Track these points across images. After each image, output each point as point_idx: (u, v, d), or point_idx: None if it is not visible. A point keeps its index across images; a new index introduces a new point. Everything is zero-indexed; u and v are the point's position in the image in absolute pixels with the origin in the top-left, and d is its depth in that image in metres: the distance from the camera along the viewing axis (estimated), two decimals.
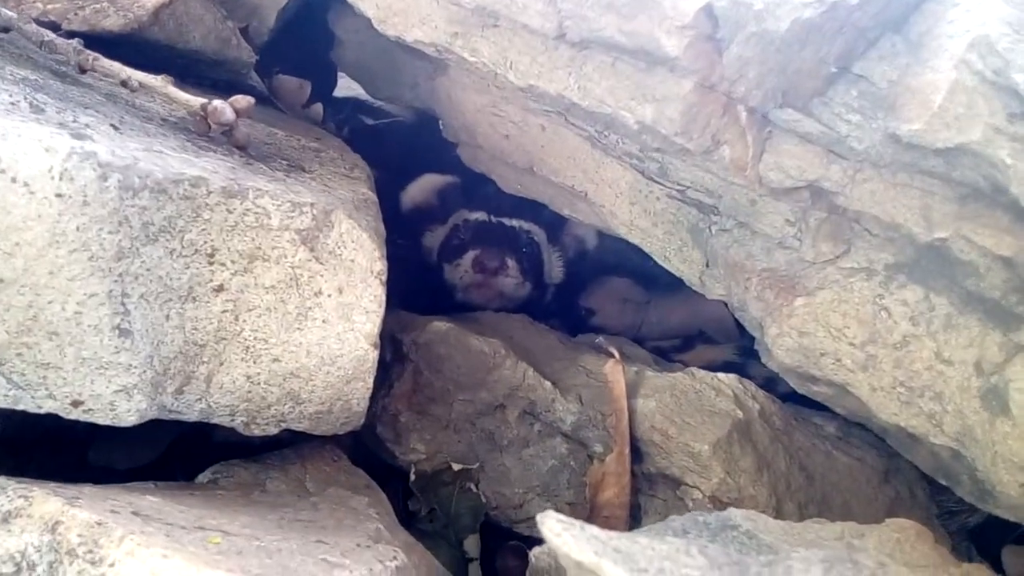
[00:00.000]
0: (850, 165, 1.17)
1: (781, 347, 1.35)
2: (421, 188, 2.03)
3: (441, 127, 1.85)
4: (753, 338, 1.47)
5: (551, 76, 1.24)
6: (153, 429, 1.06)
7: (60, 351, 0.89)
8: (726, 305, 1.50)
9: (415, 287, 1.94)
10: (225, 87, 1.79)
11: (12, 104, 0.88)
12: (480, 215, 1.89)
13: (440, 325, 1.51)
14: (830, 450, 1.48)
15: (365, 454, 1.46)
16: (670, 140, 1.16)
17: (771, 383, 1.57)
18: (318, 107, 2.11)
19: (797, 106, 1.16)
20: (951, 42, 1.12)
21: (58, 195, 0.83)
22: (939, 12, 1.18)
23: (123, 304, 0.92)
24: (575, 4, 1.11)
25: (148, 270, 0.94)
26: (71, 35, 1.44)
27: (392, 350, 1.51)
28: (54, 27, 1.44)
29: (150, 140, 0.99)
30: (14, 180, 0.81)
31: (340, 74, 2.24)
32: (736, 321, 1.53)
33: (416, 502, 1.40)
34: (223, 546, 0.79)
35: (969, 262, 1.14)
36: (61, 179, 0.83)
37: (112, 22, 1.48)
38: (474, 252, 1.78)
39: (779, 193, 1.25)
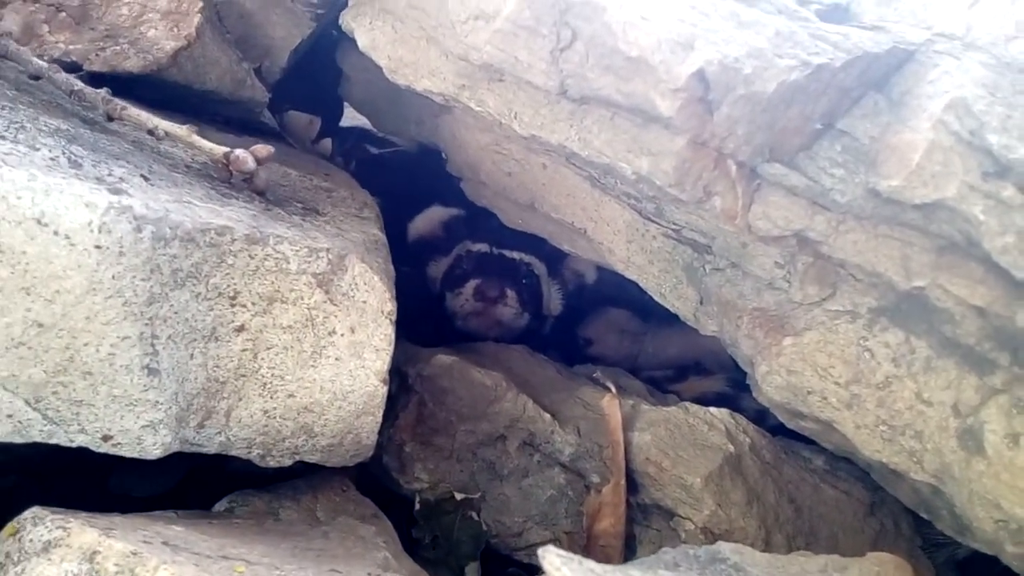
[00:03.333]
0: (834, 216, 1.24)
1: (770, 384, 1.41)
2: (427, 219, 2.11)
3: (443, 159, 1.92)
4: (745, 371, 1.53)
5: (553, 127, 1.31)
6: (169, 459, 1.12)
7: (93, 389, 0.96)
8: None
9: (418, 314, 2.02)
10: (238, 124, 1.86)
11: (52, 160, 0.95)
12: (482, 247, 1.96)
13: (444, 358, 1.57)
14: (818, 483, 1.54)
15: (369, 482, 1.52)
16: (664, 191, 1.23)
17: (762, 416, 1.61)
18: (327, 142, 2.19)
19: (784, 160, 1.23)
20: (930, 102, 1.19)
21: (97, 247, 0.90)
22: (920, 73, 1.25)
23: (152, 345, 0.98)
24: (576, 65, 1.18)
25: (175, 313, 1.01)
26: (93, 76, 1.52)
27: (397, 382, 1.57)
28: (76, 67, 1.51)
29: (179, 190, 1.06)
30: (56, 233, 0.88)
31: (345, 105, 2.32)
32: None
33: (420, 530, 1.45)
34: (247, 575, 0.85)
35: (945, 310, 1.20)
36: (100, 232, 0.90)
37: (132, 63, 1.55)
38: (475, 282, 1.85)
39: (767, 240, 1.32)
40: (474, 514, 1.50)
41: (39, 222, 0.87)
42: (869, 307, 1.32)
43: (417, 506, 1.44)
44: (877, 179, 1.17)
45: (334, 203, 1.45)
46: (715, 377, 2.01)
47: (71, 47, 1.54)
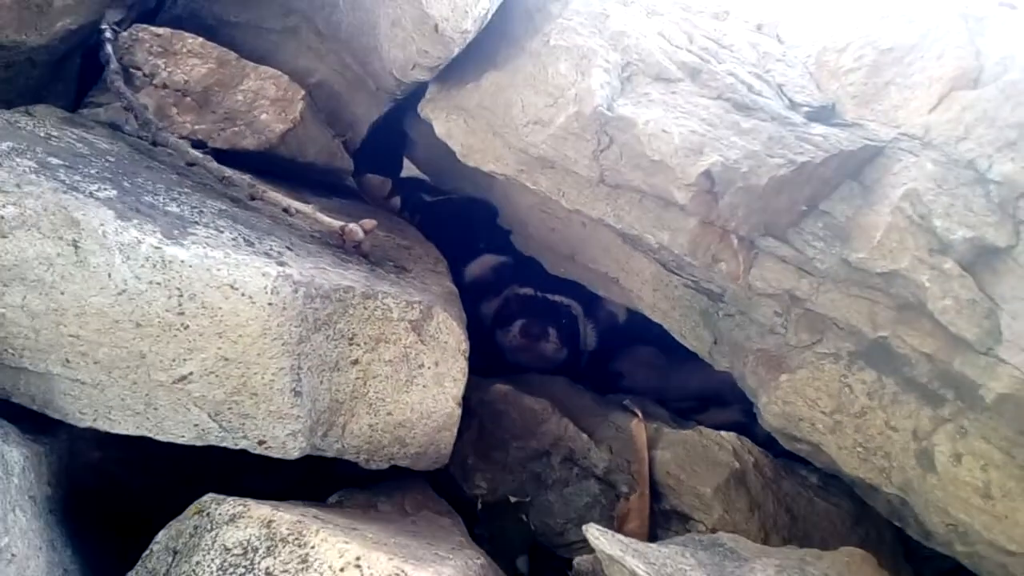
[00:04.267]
0: (815, 279, 1.52)
1: (770, 413, 1.67)
2: (480, 265, 2.34)
3: (488, 206, 2.17)
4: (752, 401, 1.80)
5: (593, 205, 1.63)
6: (285, 464, 1.43)
7: (256, 406, 1.30)
8: None
9: (473, 347, 2.30)
10: (328, 187, 2.16)
11: (234, 240, 1.31)
12: (528, 290, 2.17)
13: (501, 387, 1.86)
14: (812, 496, 1.81)
15: (438, 488, 1.82)
16: (681, 257, 1.56)
17: (772, 440, 1.74)
18: (396, 200, 2.51)
19: (776, 235, 1.54)
20: (892, 191, 1.48)
21: (269, 304, 1.25)
22: (887, 165, 1.52)
23: (298, 374, 1.33)
24: (612, 162, 1.52)
25: (313, 350, 1.35)
26: (215, 152, 1.74)
27: (462, 407, 1.89)
28: (201, 144, 1.78)
29: (314, 259, 1.41)
30: (243, 295, 1.24)
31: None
32: None
33: (481, 528, 1.76)
34: (374, 540, 1.18)
35: (904, 355, 1.47)
36: (271, 293, 1.25)
37: (248, 142, 1.79)
38: (521, 321, 2.06)
39: (765, 295, 1.63)
40: (524, 516, 1.75)
41: (232, 287, 1.23)
42: (848, 351, 1.51)
43: (479, 507, 1.76)
44: (849, 251, 1.48)
45: (414, 260, 1.80)
46: (732, 408, 2.20)
47: (197, 127, 1.78)
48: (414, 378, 1.48)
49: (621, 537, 1.10)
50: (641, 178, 1.49)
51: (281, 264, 1.28)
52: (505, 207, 2.12)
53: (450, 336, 1.50)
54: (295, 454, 1.36)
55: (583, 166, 1.55)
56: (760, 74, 1.67)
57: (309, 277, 1.31)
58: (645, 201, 1.56)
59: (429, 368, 1.49)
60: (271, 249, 1.34)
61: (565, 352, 2.14)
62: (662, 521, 1.75)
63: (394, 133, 2.37)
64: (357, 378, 1.43)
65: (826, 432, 1.61)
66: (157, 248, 1.20)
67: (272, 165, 1.90)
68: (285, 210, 1.56)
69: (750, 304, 1.70)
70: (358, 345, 1.42)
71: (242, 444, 1.32)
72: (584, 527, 1.12)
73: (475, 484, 1.77)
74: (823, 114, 1.66)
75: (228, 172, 1.62)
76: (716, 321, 1.76)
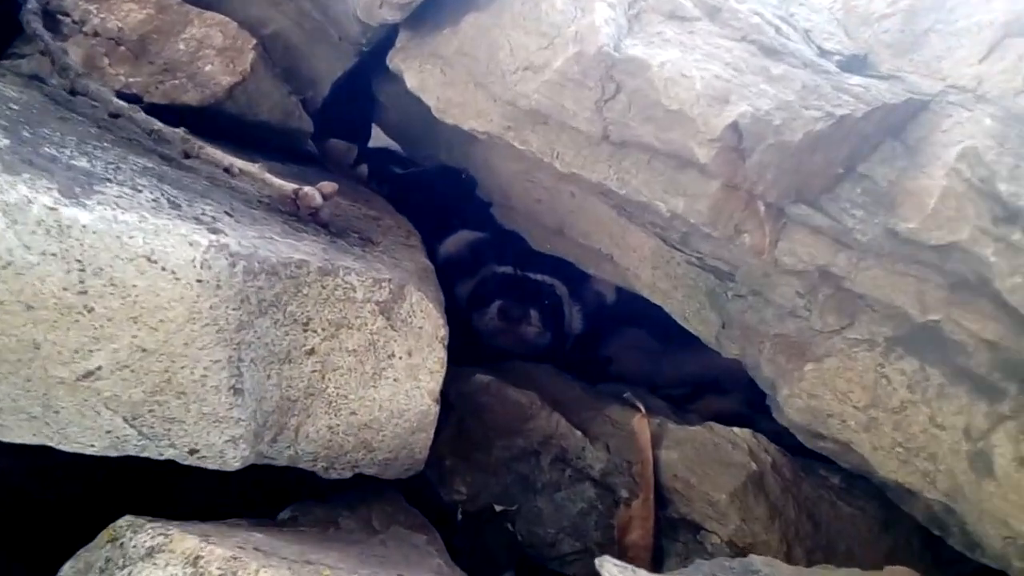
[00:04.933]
0: (855, 254, 1.33)
1: (792, 407, 1.49)
2: (456, 242, 2.18)
3: (464, 178, 1.99)
4: (759, 390, 1.60)
5: (593, 167, 1.40)
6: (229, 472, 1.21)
7: (185, 408, 1.06)
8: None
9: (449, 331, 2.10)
10: (286, 151, 1.93)
11: (155, 201, 1.05)
12: (507, 269, 2.04)
13: (482, 378, 1.66)
14: (835, 500, 1.62)
15: (410, 494, 1.61)
16: (698, 228, 1.33)
17: (778, 436, 1.66)
18: (363, 168, 2.28)
19: (808, 202, 1.32)
20: (944, 151, 1.29)
21: (198, 281, 1.00)
22: (934, 122, 1.34)
23: (238, 367, 1.08)
24: (618, 114, 1.28)
25: (258, 338, 1.11)
26: (152, 107, 1.54)
27: (440, 402, 1.66)
28: (136, 99, 1.57)
29: (260, 227, 1.16)
30: (163, 269, 0.98)
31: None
32: (746, 373, 1.64)
33: (461, 539, 1.54)
34: None
35: (958, 342, 1.29)
36: (201, 268, 1.00)
37: (191, 97, 1.61)
38: (499, 302, 1.92)
39: (791, 273, 1.41)
40: (510, 525, 1.58)
41: (148, 259, 0.97)
42: (885, 336, 1.39)
43: (459, 517, 1.53)
44: (896, 221, 1.27)
45: (384, 231, 1.55)
46: (731, 396, 2.07)
47: (131, 79, 1.60)
48: (383, 371, 1.24)
49: (644, 574, 0.88)
50: (653, 133, 1.25)
51: (215, 232, 1.03)
52: (485, 176, 1.92)
53: (426, 320, 1.26)
54: (236, 464, 1.12)
55: (583, 119, 1.32)
56: (784, 17, 1.44)
57: (251, 248, 1.06)
58: (656, 162, 1.33)
59: (401, 358, 1.25)
60: (203, 214, 1.09)
61: (548, 336, 1.98)
62: (668, 531, 1.55)
63: (361, 96, 2.19)
64: (313, 371, 1.18)
65: (859, 430, 1.43)
66: (52, 209, 0.95)
67: (218, 124, 1.67)
68: (226, 170, 1.30)
69: (766, 283, 1.51)
70: (314, 332, 1.17)
71: (169, 454, 1.08)
72: (598, 562, 0.90)
73: (454, 489, 1.60)
74: (855, 64, 1.46)
75: (158, 125, 1.37)
76: (724, 303, 1.58)
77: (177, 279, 0.99)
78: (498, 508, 1.54)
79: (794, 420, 1.50)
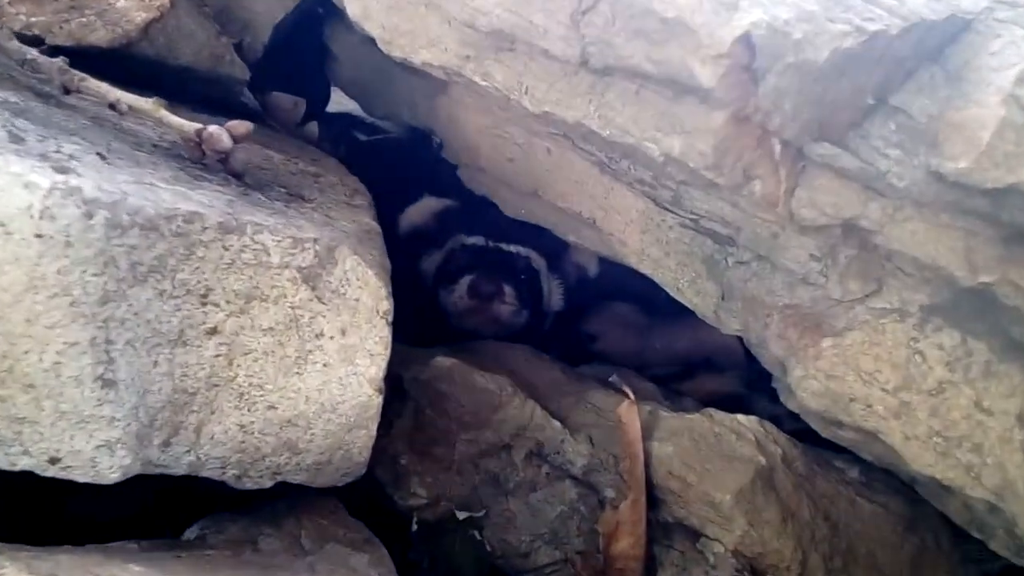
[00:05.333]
0: (890, 203, 1.10)
1: (806, 390, 1.28)
2: (420, 211, 2.00)
3: (438, 146, 1.79)
4: (759, 367, 1.41)
5: (570, 103, 1.16)
6: (140, 476, 0.97)
7: (37, 404, 0.81)
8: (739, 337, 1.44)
9: (413, 312, 1.89)
10: (217, 104, 1.72)
11: None
12: (477, 240, 1.84)
13: (443, 360, 1.43)
14: (854, 496, 1.40)
15: (360, 499, 1.38)
16: (698, 174, 1.09)
17: (777, 420, 1.49)
18: (313, 126, 2.04)
19: (833, 139, 1.09)
20: (996, 75, 1.05)
21: (38, 236, 0.75)
22: (979, 43, 1.11)
23: (107, 352, 0.83)
24: (600, 29, 1.04)
25: (136, 314, 0.86)
26: (56, 50, 1.37)
27: (391, 387, 1.43)
28: (38, 41, 1.37)
29: (140, 171, 0.90)
30: None
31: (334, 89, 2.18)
32: (745, 350, 1.46)
33: (417, 552, 1.31)
34: None
35: (1015, 308, 1.07)
36: (42, 218, 0.75)
37: (99, 36, 1.41)
38: (469, 278, 1.73)
39: (808, 230, 1.18)
40: (476, 533, 1.36)
41: None
42: (920, 305, 1.19)
43: (414, 527, 1.30)
44: (941, 161, 1.04)
45: (322, 189, 1.30)
46: (727, 376, 1.89)
47: (33, 19, 1.39)
48: (309, 354, 1.00)
49: None
50: (644, 52, 1.01)
51: (63, 171, 0.77)
52: (451, 133, 1.72)
53: (363, 291, 1.02)
54: (113, 476, 0.88)
55: (556, 39, 1.07)
56: None
57: (116, 195, 0.80)
58: (646, 92, 1.09)
59: (332, 338, 1.01)
60: (57, 151, 0.83)
61: (525, 314, 1.79)
62: (662, 537, 1.35)
63: (313, 48, 1.99)
64: (217, 356, 0.94)
65: (888, 416, 1.24)
66: None
67: (134, 69, 1.46)
68: (112, 106, 1.04)
69: (774, 245, 1.31)
70: (216, 306, 0.93)
71: (24, 464, 0.84)
72: None
73: (410, 492, 1.38)
74: None
75: (32, 54, 1.12)
76: (724, 270, 1.39)
77: (8, 233, 0.74)
78: (461, 515, 1.30)
79: (808, 406, 1.30)
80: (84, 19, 1.46)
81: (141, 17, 1.44)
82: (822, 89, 1.03)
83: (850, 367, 1.23)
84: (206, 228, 0.89)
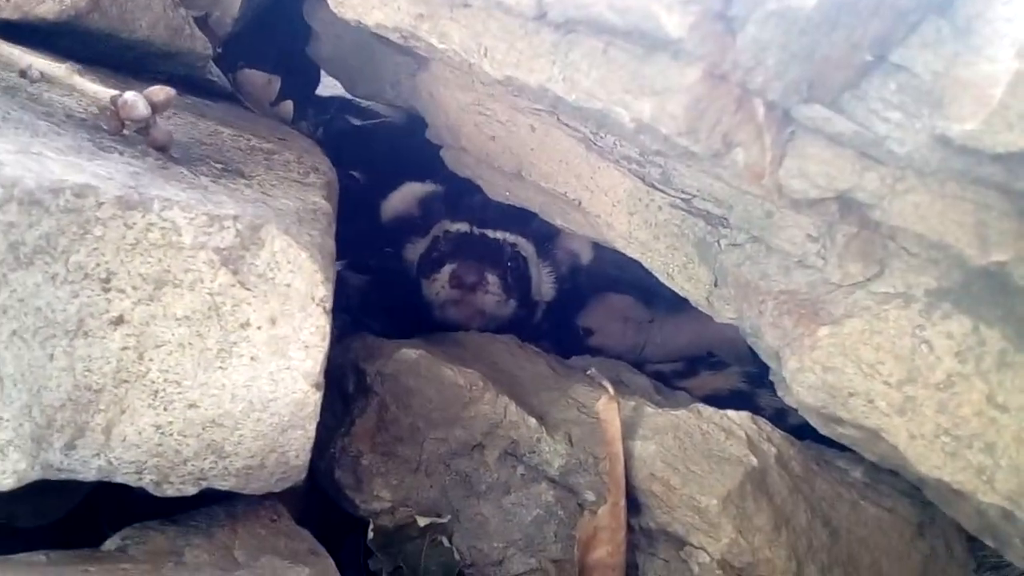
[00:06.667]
0: (889, 172, 0.98)
1: (802, 384, 1.16)
2: (402, 197, 1.92)
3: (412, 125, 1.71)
4: (763, 362, 1.29)
5: (531, 65, 1.05)
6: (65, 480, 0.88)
7: None
8: None
9: (398, 304, 1.79)
10: (182, 82, 1.64)
11: None
12: (462, 226, 1.76)
13: (409, 353, 1.32)
14: (857, 499, 1.29)
15: (320, 503, 1.28)
16: (672, 141, 0.97)
17: (781, 414, 1.42)
18: (288, 105, 1.94)
19: (825, 101, 0.96)
20: (1010, 27, 0.93)
21: None
22: None
23: None
24: None
25: (20, 301, 0.76)
26: (4, 25, 1.29)
27: (355, 381, 1.33)
28: None
29: (31, 140, 0.80)
30: None
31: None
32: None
33: (377, 561, 1.21)
34: None
35: None
36: None
37: (47, 8, 1.33)
38: (451, 266, 1.65)
39: (801, 205, 1.06)
40: (445, 539, 1.26)
41: None
42: (927, 289, 1.08)
43: (371, 534, 1.19)
44: (946, 123, 0.91)
45: (270, 166, 1.20)
46: (729, 371, 1.81)
47: None
48: (233, 346, 0.90)
49: None
50: (607, 1, 0.88)
51: None
52: (432, 112, 1.64)
53: (295, 275, 0.91)
54: (7, 483, 0.79)
55: None
56: None
57: None
58: (613, 51, 0.97)
59: (260, 328, 0.90)
60: None
61: (512, 304, 1.70)
62: (644, 544, 1.24)
63: (292, 24, 1.90)
64: (125, 348, 0.84)
65: (891, 413, 1.13)
66: None
67: (87, 44, 1.40)
68: (23, 73, 0.94)
69: (769, 225, 1.22)
70: (121, 292, 0.82)
71: None
72: None
73: (373, 495, 1.29)
74: None
75: None
76: (716, 254, 1.30)
77: None
78: (423, 521, 1.20)
79: (805, 401, 1.18)
80: None
81: None
82: (811, 42, 0.90)
83: (849, 358, 1.12)
84: (102, 203, 0.78)
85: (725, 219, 1.27)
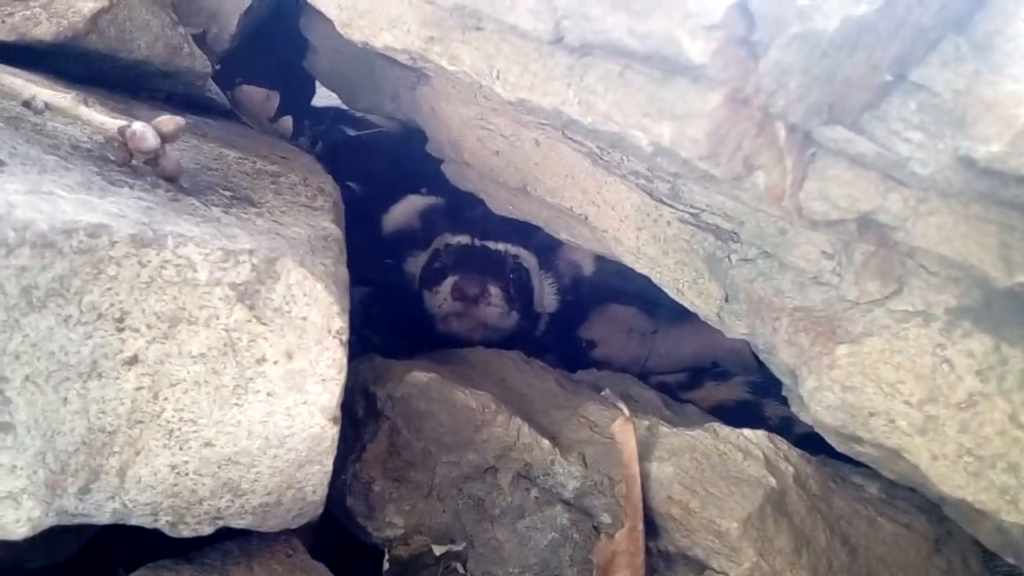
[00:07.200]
0: (912, 194, 0.96)
1: (820, 403, 1.15)
2: (404, 210, 1.92)
3: (410, 137, 1.69)
4: (767, 370, 1.29)
5: (546, 88, 1.03)
6: None
7: None
8: None
9: (400, 317, 1.78)
10: (182, 100, 1.62)
11: None
12: (463, 239, 1.75)
13: (419, 376, 1.31)
14: (874, 516, 1.28)
15: (332, 531, 1.26)
16: (692, 164, 0.96)
17: (787, 424, 1.43)
18: (287, 120, 1.93)
19: (846, 123, 0.95)
20: None
21: None
22: (1010, 9, 0.97)
23: (0, 392, 0.71)
24: (575, 1, 0.90)
25: (33, 346, 0.73)
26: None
27: (364, 405, 1.31)
28: None
29: (42, 178, 0.78)
30: None
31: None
32: (755, 353, 1.34)
33: None
34: None
35: None
36: None
37: (44, 30, 1.32)
38: (453, 278, 1.64)
39: (819, 225, 1.05)
40: (459, 565, 1.25)
41: None
42: (947, 307, 1.06)
43: (386, 566, 1.17)
44: (970, 144, 0.90)
45: (278, 190, 1.17)
46: (734, 381, 1.80)
47: None
48: (249, 382, 0.87)
49: None
50: (627, 25, 0.87)
51: None
52: (433, 126, 1.63)
53: (311, 308, 0.89)
54: (21, 531, 0.76)
55: (526, 12, 0.95)
56: None
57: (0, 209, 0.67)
58: (630, 74, 0.95)
59: (276, 363, 0.88)
60: None
61: (514, 317, 1.70)
62: (663, 568, 1.24)
63: (289, 39, 1.88)
64: (139, 388, 0.82)
65: (912, 432, 1.11)
66: None
67: (86, 65, 1.40)
68: (27, 104, 0.92)
69: (782, 242, 1.19)
70: (135, 331, 0.80)
71: None
72: None
73: (386, 523, 1.27)
74: None
75: None
76: (727, 269, 1.28)
77: None
78: (439, 550, 1.18)
79: (823, 421, 1.17)
80: (28, 12, 1.40)
81: (89, 7, 1.36)
82: (832, 64, 0.89)
83: (869, 377, 1.10)
84: (116, 242, 0.76)
85: (735, 234, 1.25)
